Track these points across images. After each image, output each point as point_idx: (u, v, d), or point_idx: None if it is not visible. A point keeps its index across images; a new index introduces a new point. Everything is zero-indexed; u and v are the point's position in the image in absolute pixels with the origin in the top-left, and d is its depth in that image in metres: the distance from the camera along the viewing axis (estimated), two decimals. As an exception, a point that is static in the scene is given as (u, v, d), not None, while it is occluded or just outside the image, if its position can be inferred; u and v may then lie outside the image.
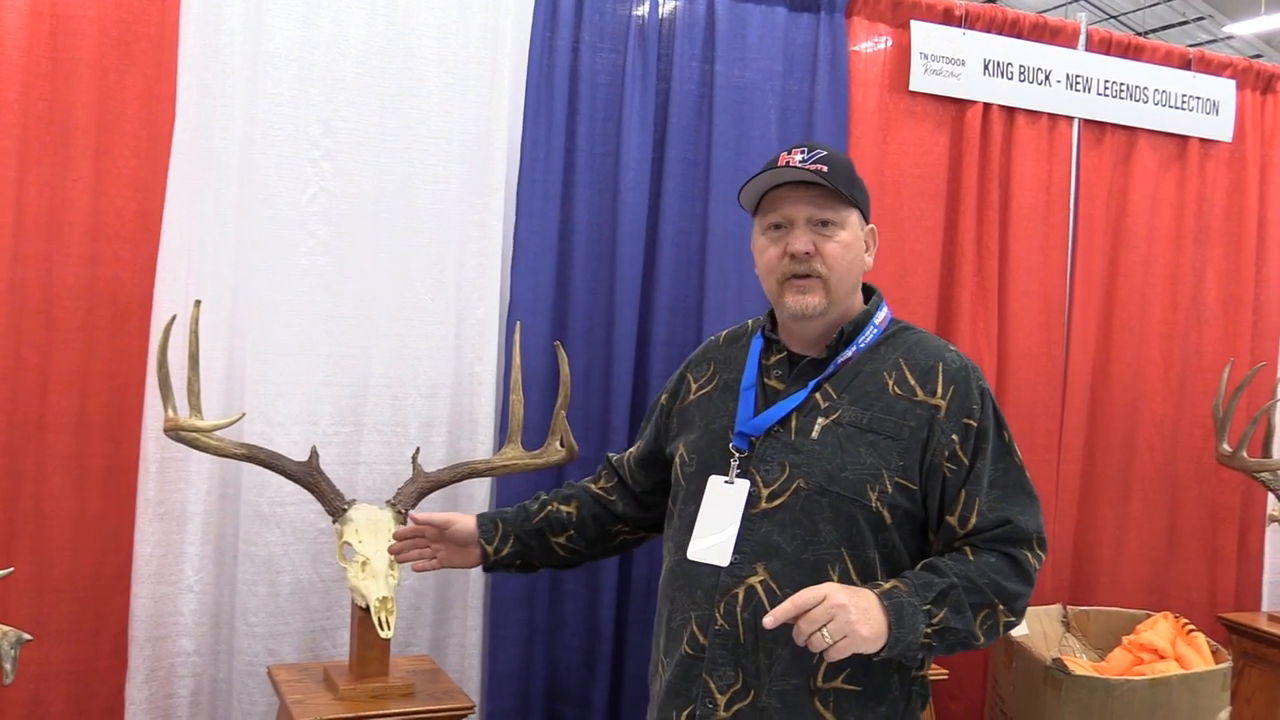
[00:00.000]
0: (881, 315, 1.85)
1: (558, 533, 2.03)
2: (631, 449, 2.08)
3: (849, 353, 1.79)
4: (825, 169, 1.75)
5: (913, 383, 1.75)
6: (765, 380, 1.83)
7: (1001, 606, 1.69)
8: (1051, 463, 3.53)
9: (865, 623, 1.56)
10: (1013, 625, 1.73)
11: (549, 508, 2.04)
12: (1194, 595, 3.70)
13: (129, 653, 2.60)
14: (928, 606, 1.63)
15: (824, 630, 1.53)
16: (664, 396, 2.02)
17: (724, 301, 3.02)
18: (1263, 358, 3.76)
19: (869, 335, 1.81)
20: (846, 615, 1.54)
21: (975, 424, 1.73)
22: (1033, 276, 3.50)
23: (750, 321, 1.98)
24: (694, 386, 1.94)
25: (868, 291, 1.89)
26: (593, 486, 2.09)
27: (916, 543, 1.76)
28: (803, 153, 1.78)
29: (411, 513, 2.09)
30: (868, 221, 1.86)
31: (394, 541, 2.05)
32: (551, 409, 2.62)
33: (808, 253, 1.76)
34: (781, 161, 1.78)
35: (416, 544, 2.02)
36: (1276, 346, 3.85)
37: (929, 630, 1.63)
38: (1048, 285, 3.53)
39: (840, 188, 1.76)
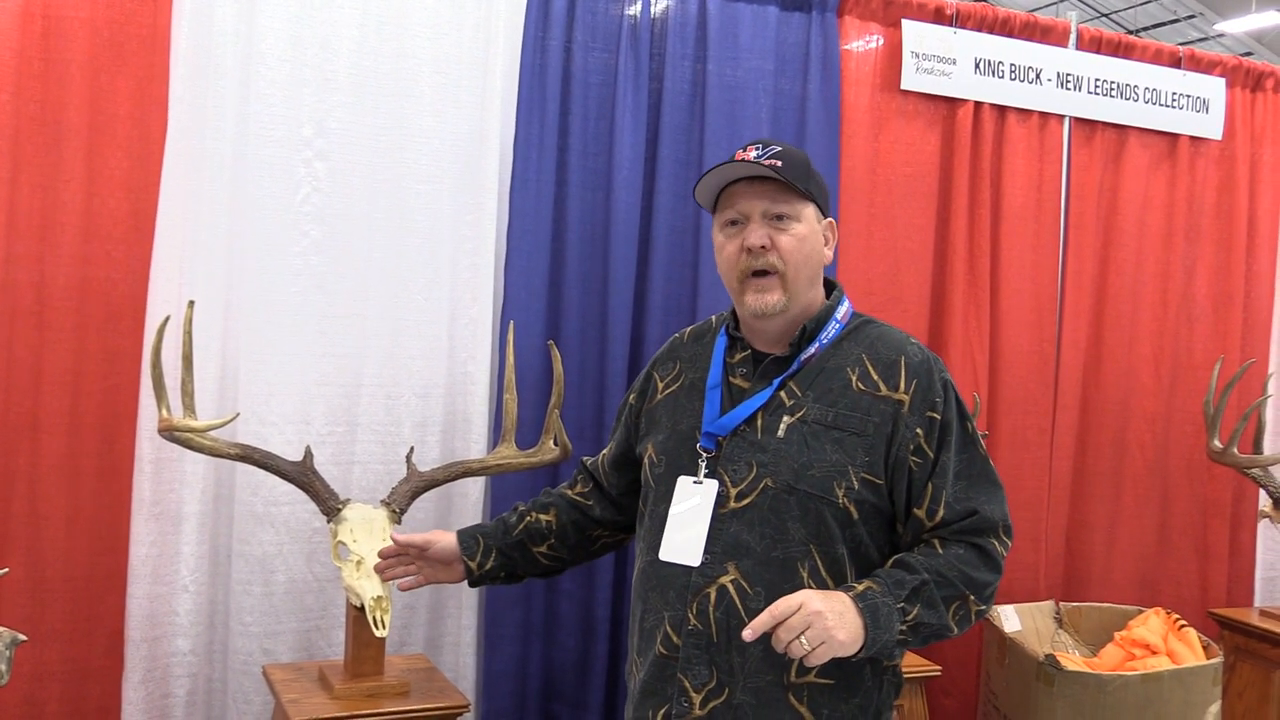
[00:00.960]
0: (843, 310, 1.85)
1: (538, 543, 2.04)
2: (605, 451, 2.08)
3: (812, 349, 1.80)
4: (779, 164, 1.76)
5: (876, 378, 1.76)
6: (730, 379, 1.83)
7: (972, 597, 1.72)
8: (1043, 460, 3.54)
9: (842, 627, 1.58)
10: (983, 613, 1.76)
11: (528, 518, 2.04)
12: (1185, 591, 3.72)
13: (126, 653, 2.60)
14: (901, 604, 1.65)
15: (802, 638, 1.55)
16: (632, 396, 2.02)
17: (717, 299, 3.01)
18: (1253, 354, 3.78)
19: (831, 331, 1.82)
20: (823, 621, 1.56)
21: (939, 416, 1.74)
22: (1024, 274, 3.52)
23: (714, 318, 1.98)
24: (661, 386, 1.94)
25: (829, 286, 1.89)
26: (569, 493, 2.09)
27: (885, 537, 1.77)
28: (757, 149, 1.79)
29: (393, 534, 2.10)
30: (826, 215, 1.86)
31: (389, 542, 2.06)
32: (545, 408, 2.63)
33: (763, 246, 1.76)
34: (737, 159, 1.79)
35: (401, 560, 2.04)
36: (1267, 343, 3.87)
37: (904, 627, 1.65)
38: (1039, 283, 3.54)
39: (794, 181, 1.76)
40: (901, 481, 1.73)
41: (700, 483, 1.77)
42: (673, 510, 1.78)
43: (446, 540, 2.01)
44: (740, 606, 1.70)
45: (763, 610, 1.60)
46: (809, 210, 1.81)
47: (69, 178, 2.58)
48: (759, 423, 1.76)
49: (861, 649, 1.61)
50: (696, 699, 1.72)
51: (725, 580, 1.72)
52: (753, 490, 1.73)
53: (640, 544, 1.88)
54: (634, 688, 1.83)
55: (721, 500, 1.74)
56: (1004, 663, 3.11)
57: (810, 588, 1.68)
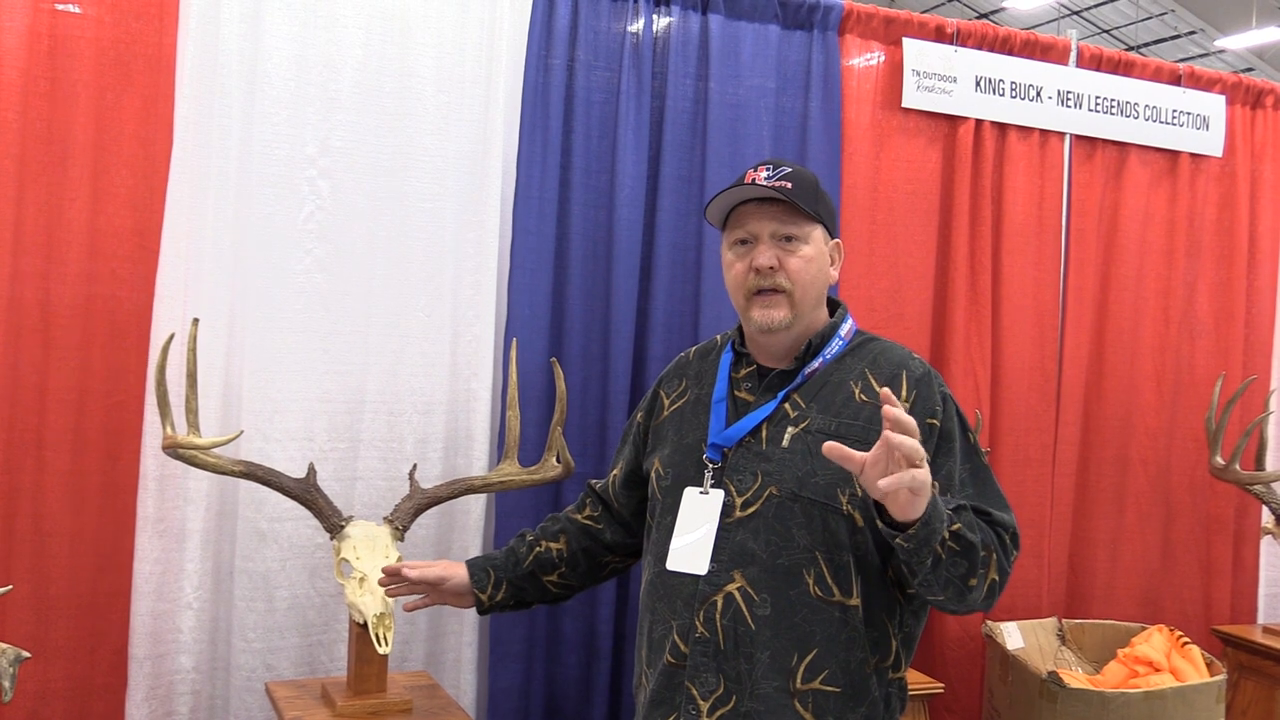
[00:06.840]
0: (847, 327, 1.89)
1: (549, 572, 2.07)
2: (614, 471, 2.10)
3: (816, 364, 1.83)
4: (789, 185, 1.79)
5: (878, 390, 1.77)
6: (735, 393, 1.87)
7: (996, 558, 1.65)
8: (1045, 476, 3.54)
9: (926, 485, 1.51)
10: (997, 592, 1.68)
11: (538, 549, 2.07)
12: (1189, 608, 3.71)
13: (129, 670, 2.60)
14: (949, 511, 1.59)
15: (914, 468, 1.47)
16: (639, 415, 2.05)
17: (719, 316, 3.03)
18: (1254, 371, 3.78)
19: (835, 347, 1.85)
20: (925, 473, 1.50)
21: (938, 424, 1.76)
22: (1026, 291, 3.52)
23: (719, 336, 2.02)
24: (667, 403, 1.97)
25: (833, 305, 1.93)
26: (578, 518, 2.11)
27: (889, 547, 1.76)
28: (768, 170, 1.83)
29: (406, 570, 2.07)
30: (833, 236, 1.90)
31: (392, 559, 2.07)
32: (547, 425, 2.64)
33: (771, 267, 1.80)
34: (748, 179, 1.83)
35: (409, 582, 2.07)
36: (1268, 360, 3.88)
37: (948, 533, 1.57)
38: (1040, 300, 3.55)
39: (803, 204, 1.79)
40: None
41: (706, 493, 1.79)
42: (679, 520, 1.80)
43: (459, 576, 2.05)
44: (747, 614, 1.72)
45: (769, 617, 1.67)
46: (817, 232, 1.84)
47: (74, 196, 2.59)
48: (764, 433, 1.79)
49: (918, 522, 1.53)
50: (704, 706, 1.73)
51: (732, 588, 1.73)
52: (758, 499, 1.75)
53: (648, 556, 1.91)
54: (643, 699, 1.85)
55: (727, 510, 1.77)
56: (1007, 680, 3.11)
57: (816, 595, 1.70)
